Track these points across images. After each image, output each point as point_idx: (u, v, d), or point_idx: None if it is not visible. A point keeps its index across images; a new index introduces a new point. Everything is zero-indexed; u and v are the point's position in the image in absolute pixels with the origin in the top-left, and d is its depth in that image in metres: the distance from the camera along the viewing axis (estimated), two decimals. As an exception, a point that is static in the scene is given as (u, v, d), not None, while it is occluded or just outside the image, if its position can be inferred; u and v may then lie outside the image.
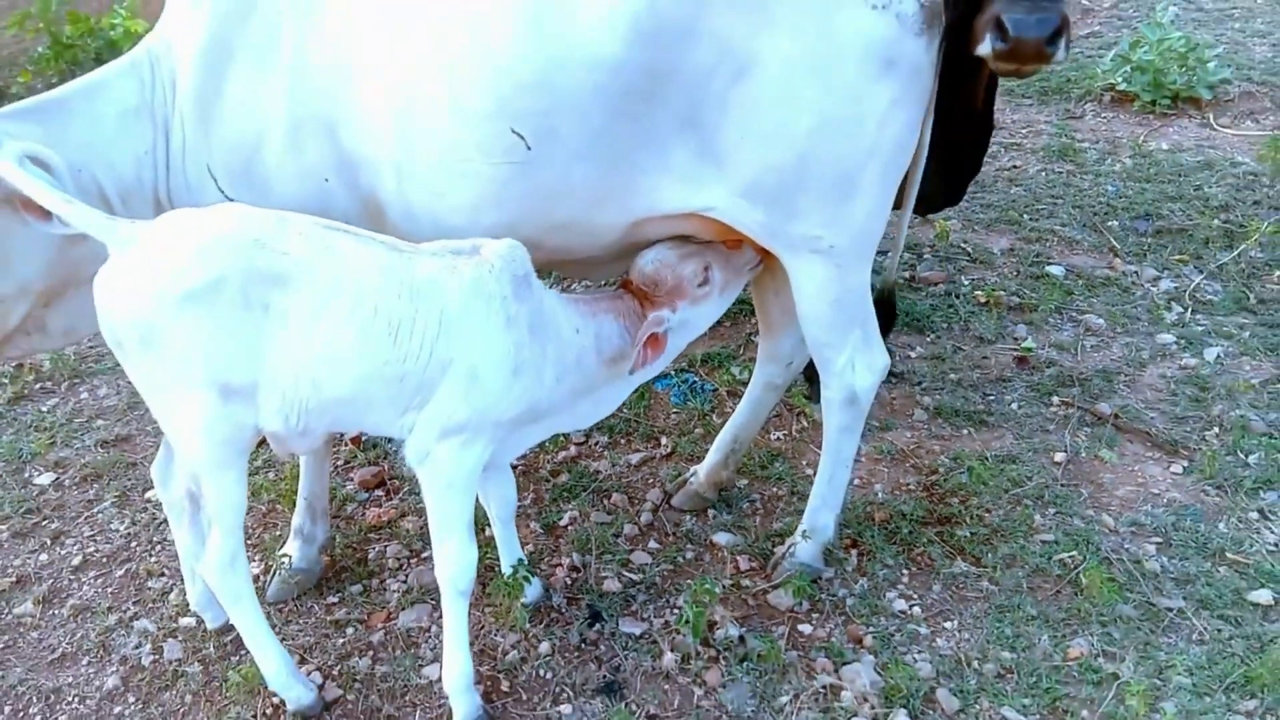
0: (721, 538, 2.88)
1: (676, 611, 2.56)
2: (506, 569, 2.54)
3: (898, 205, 2.55)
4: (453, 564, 2.18)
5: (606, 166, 2.19)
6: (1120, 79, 5.82)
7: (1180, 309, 3.99)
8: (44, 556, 2.91)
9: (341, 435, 3.32)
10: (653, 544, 2.87)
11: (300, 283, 1.92)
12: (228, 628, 2.54)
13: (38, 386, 3.76)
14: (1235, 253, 4.30)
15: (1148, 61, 5.67)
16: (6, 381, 3.74)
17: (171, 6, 2.38)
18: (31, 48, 7.00)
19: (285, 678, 2.28)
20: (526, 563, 2.57)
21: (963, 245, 4.49)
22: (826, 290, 2.33)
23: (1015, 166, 5.23)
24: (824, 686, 2.37)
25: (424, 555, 2.81)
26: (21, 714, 2.40)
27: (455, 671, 2.24)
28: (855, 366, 2.47)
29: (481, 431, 2.12)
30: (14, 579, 2.82)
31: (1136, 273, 4.26)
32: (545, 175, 2.19)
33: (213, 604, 2.53)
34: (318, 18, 2.24)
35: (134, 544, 2.94)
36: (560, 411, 2.36)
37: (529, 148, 2.13)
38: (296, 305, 1.92)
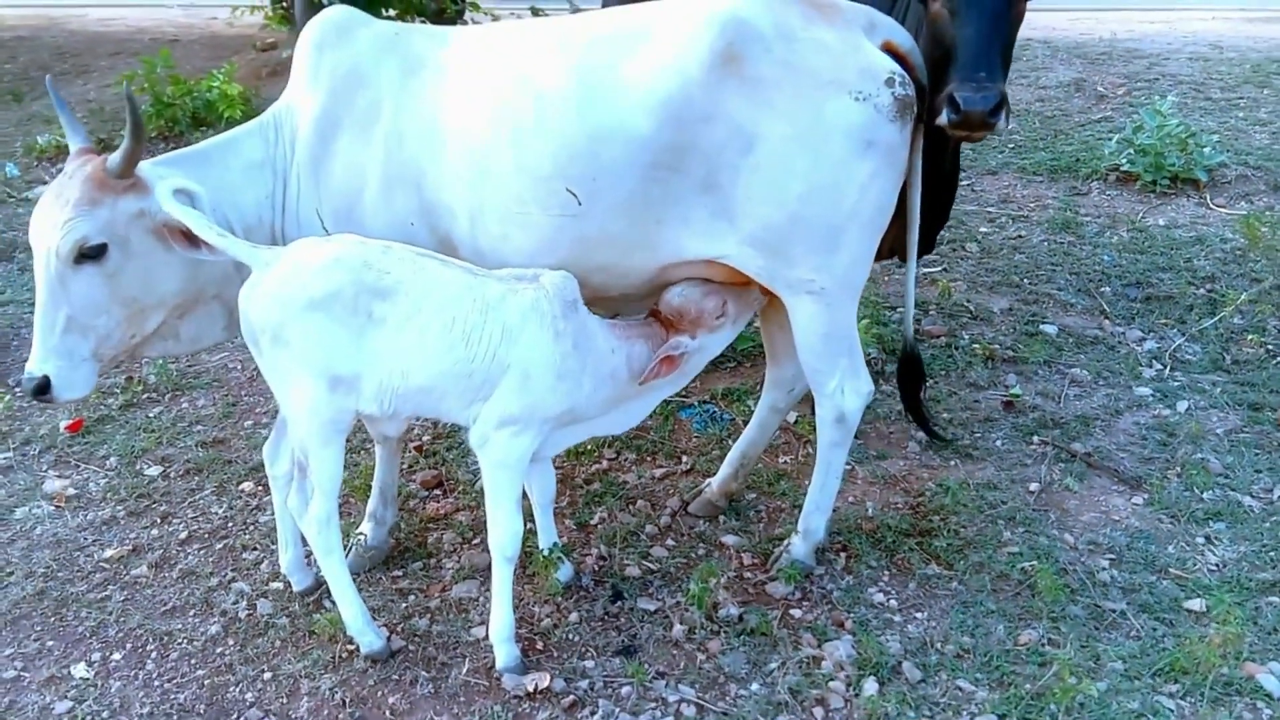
0: (729, 539, 3.34)
1: (687, 594, 3.01)
2: (544, 549, 3.01)
3: (902, 258, 3.07)
4: (501, 532, 2.68)
5: (639, 220, 2.70)
6: (1124, 160, 6.30)
7: (1160, 366, 4.40)
8: (155, 531, 3.44)
9: (408, 443, 3.85)
10: (670, 542, 3.34)
11: (397, 296, 2.47)
12: (310, 590, 3.05)
13: (145, 396, 4.34)
14: (1216, 318, 4.72)
15: (1149, 145, 6.16)
16: (119, 391, 4.33)
17: (295, 81, 2.96)
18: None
19: (361, 624, 2.77)
20: (560, 545, 3.05)
21: (965, 304, 4.96)
22: (818, 324, 2.83)
23: (1020, 236, 5.72)
24: (807, 657, 2.81)
25: (474, 542, 3.31)
26: (140, 650, 2.91)
27: (499, 624, 2.73)
28: (844, 390, 2.94)
29: (530, 425, 2.63)
30: (131, 548, 3.35)
31: (1123, 334, 4.69)
32: (590, 226, 2.71)
33: (300, 569, 3.05)
34: (412, 99, 2.81)
35: (231, 524, 3.47)
36: (596, 417, 2.86)
37: (580, 204, 2.67)
38: (393, 313, 2.47)
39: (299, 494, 2.75)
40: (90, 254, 2.58)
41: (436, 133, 2.77)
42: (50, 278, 2.59)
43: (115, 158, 2.64)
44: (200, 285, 2.84)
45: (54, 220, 2.56)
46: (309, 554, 3.03)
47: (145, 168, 2.72)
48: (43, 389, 2.61)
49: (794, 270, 2.74)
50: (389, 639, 2.85)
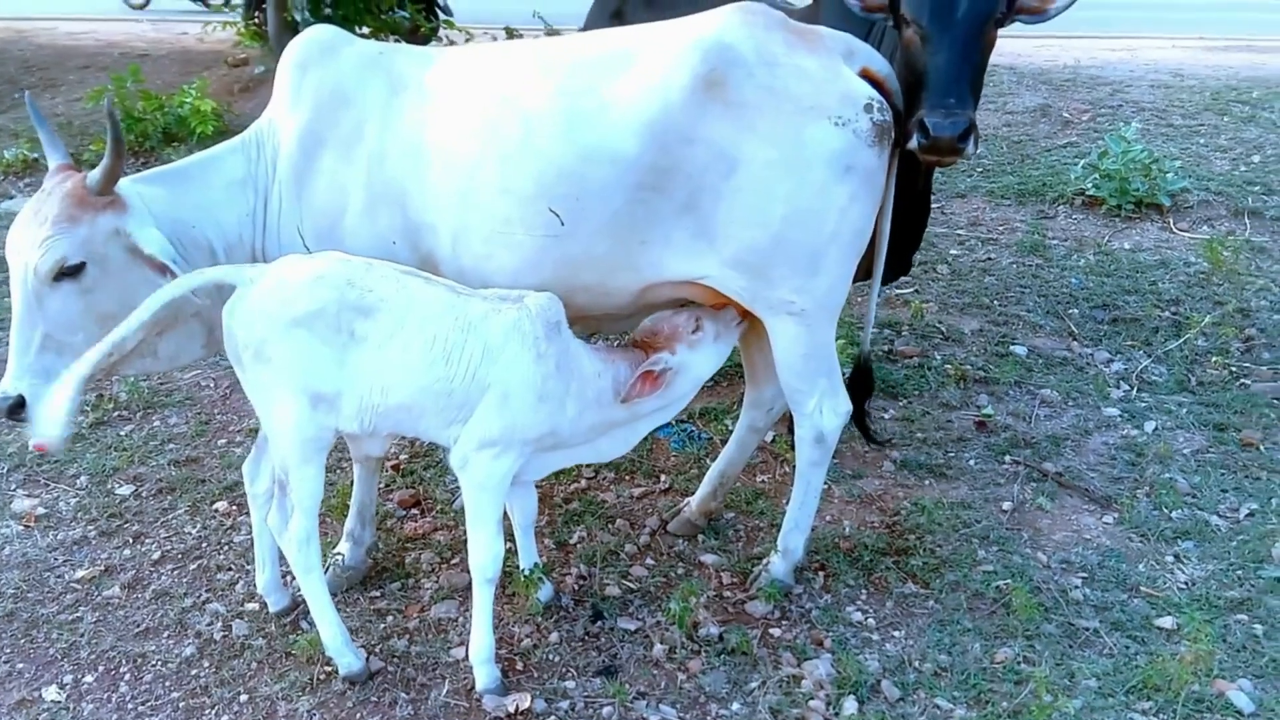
0: (708, 558, 3.35)
1: (668, 613, 3.01)
2: (525, 569, 3.01)
3: (867, 278, 3.11)
4: (482, 554, 2.67)
5: (623, 241, 2.73)
6: (1090, 185, 6.43)
7: (1127, 387, 4.49)
8: (127, 552, 3.39)
9: (385, 462, 3.82)
10: (649, 561, 3.34)
11: (380, 314, 2.47)
12: (287, 611, 3.02)
13: (115, 414, 4.28)
14: (1181, 340, 4.82)
15: (1114, 170, 6.29)
16: (89, 409, 4.27)
17: (278, 99, 2.96)
18: (105, 119, 7.73)
19: (340, 644, 2.75)
20: (541, 566, 3.05)
21: (937, 325, 5.03)
22: (798, 345, 2.86)
23: (990, 259, 5.81)
24: (787, 676, 2.82)
25: (453, 561, 3.30)
26: (113, 673, 2.86)
27: (479, 645, 2.71)
28: (823, 410, 2.97)
29: (511, 446, 2.63)
30: (103, 568, 3.30)
31: (1091, 355, 4.78)
32: (574, 246, 2.73)
33: (277, 589, 3.02)
34: (396, 118, 2.81)
35: (204, 544, 3.42)
36: (581, 444, 2.85)
37: (563, 224, 2.68)
38: (375, 331, 2.46)
39: (279, 512, 2.73)
40: (69, 272, 2.56)
41: (421, 152, 2.78)
42: (27, 295, 2.56)
43: (95, 175, 2.62)
44: (178, 305, 2.81)
45: (33, 238, 2.53)
46: (286, 574, 3.01)
47: (125, 185, 2.70)
48: (17, 408, 2.57)
49: (775, 291, 2.77)
50: (367, 660, 2.83)
